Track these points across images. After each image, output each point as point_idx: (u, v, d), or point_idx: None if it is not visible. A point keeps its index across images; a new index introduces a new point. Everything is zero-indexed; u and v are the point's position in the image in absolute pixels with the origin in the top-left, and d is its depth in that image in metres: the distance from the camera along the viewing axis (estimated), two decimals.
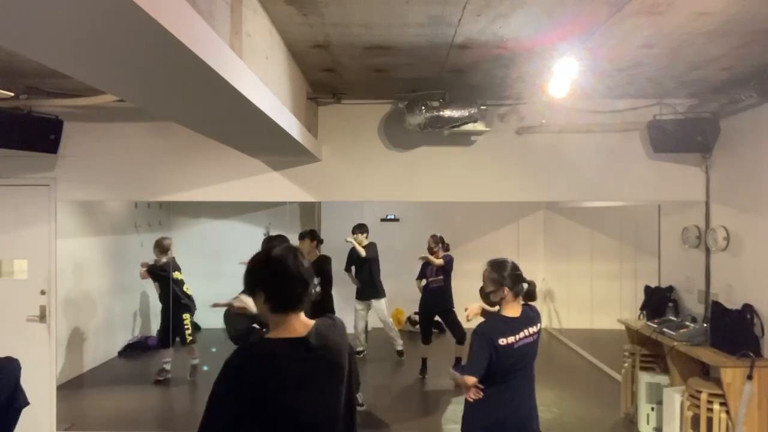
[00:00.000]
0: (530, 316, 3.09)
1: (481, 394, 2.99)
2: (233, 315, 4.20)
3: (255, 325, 4.09)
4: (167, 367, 6.86)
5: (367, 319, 8.35)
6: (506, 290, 3.04)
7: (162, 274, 6.78)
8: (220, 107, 3.12)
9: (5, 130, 4.87)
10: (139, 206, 8.70)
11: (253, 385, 1.75)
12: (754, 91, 4.36)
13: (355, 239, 7.79)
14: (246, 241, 9.81)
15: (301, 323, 1.93)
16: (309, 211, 10.14)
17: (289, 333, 1.88)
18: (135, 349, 8.25)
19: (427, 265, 7.35)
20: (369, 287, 7.98)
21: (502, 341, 2.94)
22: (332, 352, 1.94)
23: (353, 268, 8.04)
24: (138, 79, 2.56)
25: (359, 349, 8.20)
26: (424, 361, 7.33)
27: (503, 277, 3.04)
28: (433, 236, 7.39)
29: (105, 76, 2.53)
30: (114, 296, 8.00)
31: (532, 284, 3.13)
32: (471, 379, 2.97)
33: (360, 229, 7.92)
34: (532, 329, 3.04)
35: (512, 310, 3.06)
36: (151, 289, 8.70)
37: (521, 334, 2.99)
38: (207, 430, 1.73)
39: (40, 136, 5.03)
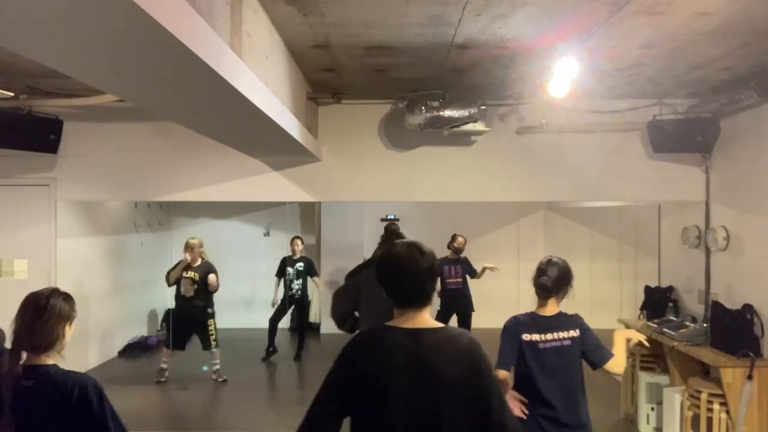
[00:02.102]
0: (564, 321, 2.97)
1: (525, 410, 2.90)
2: (337, 297, 4.20)
3: (356, 313, 4.14)
4: (165, 366, 6.87)
5: None
6: (530, 284, 3.07)
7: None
8: (220, 107, 3.12)
9: (5, 130, 4.87)
10: (139, 206, 8.69)
11: (355, 362, 1.84)
12: (754, 91, 4.35)
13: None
14: (246, 241, 9.86)
15: (422, 320, 1.89)
16: (309, 211, 10.13)
17: (405, 324, 1.88)
18: (135, 349, 8.24)
19: (444, 265, 7.35)
20: None
21: (526, 336, 2.90)
22: (434, 360, 1.81)
23: None
24: (138, 79, 2.56)
25: None
26: None
27: (536, 270, 3.04)
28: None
29: (105, 77, 2.53)
30: (114, 296, 8.00)
31: (539, 282, 3.01)
32: (502, 373, 2.87)
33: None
34: (563, 334, 2.93)
35: (544, 309, 2.99)
36: (159, 288, 8.69)
37: (548, 335, 2.90)
38: (314, 403, 1.82)
39: (40, 136, 5.03)
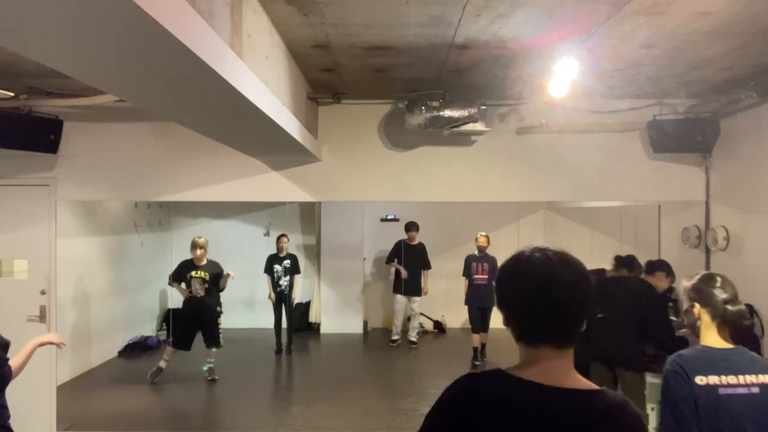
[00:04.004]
0: (749, 359, 2.17)
1: None
2: None
3: None
4: (164, 365, 6.87)
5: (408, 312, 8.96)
6: (697, 308, 2.27)
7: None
8: (220, 107, 3.12)
9: (5, 130, 4.86)
10: (139, 206, 8.70)
11: (458, 424, 1.28)
12: (754, 91, 4.36)
13: (411, 237, 8.56)
14: (246, 241, 9.86)
15: (564, 371, 1.29)
16: (309, 211, 10.13)
17: (537, 376, 1.27)
18: (135, 349, 8.25)
19: (471, 262, 7.77)
20: (415, 284, 8.67)
21: (701, 380, 2.09)
22: None
23: (396, 261, 8.70)
24: (138, 80, 2.56)
25: (394, 338, 8.85)
26: (475, 349, 7.70)
27: (694, 289, 2.31)
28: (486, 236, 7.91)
29: (105, 77, 2.53)
30: (114, 296, 8.00)
31: (739, 311, 2.23)
32: None
33: (414, 227, 8.58)
34: (750, 378, 2.09)
35: (716, 339, 2.21)
36: (159, 288, 8.74)
37: (731, 379, 2.09)
38: None
39: (40, 136, 5.03)
